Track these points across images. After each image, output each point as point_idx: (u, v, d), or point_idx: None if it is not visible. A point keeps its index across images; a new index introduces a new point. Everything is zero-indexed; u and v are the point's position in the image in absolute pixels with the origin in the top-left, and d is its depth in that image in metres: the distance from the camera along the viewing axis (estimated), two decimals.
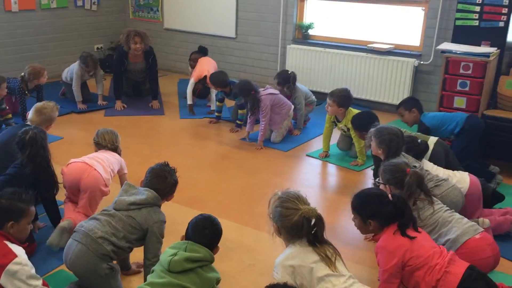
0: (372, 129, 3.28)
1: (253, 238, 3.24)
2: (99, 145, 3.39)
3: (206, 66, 5.69)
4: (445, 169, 3.30)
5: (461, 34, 4.68)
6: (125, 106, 5.78)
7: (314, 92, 5.59)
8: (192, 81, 5.60)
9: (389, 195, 2.48)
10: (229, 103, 5.70)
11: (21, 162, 2.98)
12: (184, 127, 5.33)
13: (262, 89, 4.94)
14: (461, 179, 3.20)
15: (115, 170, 3.30)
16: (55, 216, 3.10)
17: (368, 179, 4.12)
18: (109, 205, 2.62)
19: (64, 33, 6.88)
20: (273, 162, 4.48)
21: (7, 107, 4.83)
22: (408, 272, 2.35)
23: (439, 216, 2.69)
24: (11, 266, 2.12)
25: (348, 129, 4.40)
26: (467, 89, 4.33)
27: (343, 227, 3.36)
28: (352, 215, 2.54)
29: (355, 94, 5.35)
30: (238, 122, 5.18)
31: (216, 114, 5.44)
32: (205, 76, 5.50)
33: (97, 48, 7.34)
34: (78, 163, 3.15)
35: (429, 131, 3.94)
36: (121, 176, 3.43)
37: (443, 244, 2.60)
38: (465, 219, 2.73)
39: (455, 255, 2.39)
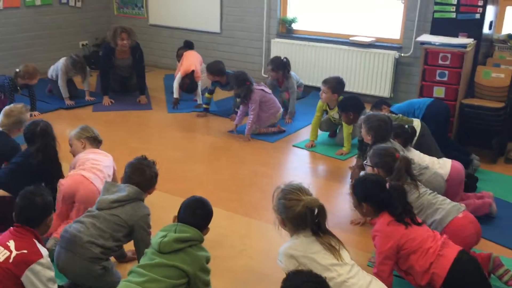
0: (362, 116, 3.41)
1: (244, 225, 3.36)
2: (96, 140, 3.33)
3: (193, 60, 5.78)
4: (430, 157, 3.44)
5: (439, 26, 4.83)
6: (113, 101, 5.84)
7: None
8: (179, 76, 5.68)
9: (387, 184, 2.59)
10: (216, 97, 5.80)
11: (26, 153, 3.06)
12: (172, 121, 5.42)
13: (257, 84, 5.04)
14: (443, 165, 3.35)
15: (111, 175, 3.24)
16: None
17: None
18: (93, 206, 2.63)
19: (49, 30, 6.90)
20: (260, 153, 4.59)
21: None
22: (404, 255, 2.46)
23: (424, 199, 2.83)
24: (35, 265, 2.18)
25: (340, 116, 4.52)
26: (445, 79, 4.49)
27: (330, 212, 3.47)
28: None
29: None
30: (237, 110, 5.30)
31: (204, 106, 5.53)
32: (193, 71, 5.59)
33: (82, 45, 7.37)
34: (75, 175, 3.05)
35: None
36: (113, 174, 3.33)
37: (430, 226, 2.73)
38: (448, 200, 2.88)
39: (448, 239, 2.51)
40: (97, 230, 2.48)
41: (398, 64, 5.80)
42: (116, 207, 2.53)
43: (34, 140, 3.06)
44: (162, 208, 3.25)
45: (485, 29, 4.79)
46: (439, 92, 4.52)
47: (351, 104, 4.18)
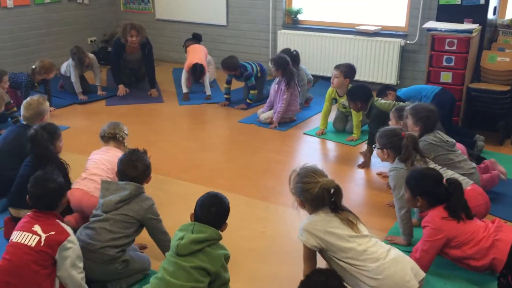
0: (407, 108, 3.42)
1: (262, 209, 3.49)
2: (104, 138, 3.35)
3: (197, 55, 5.89)
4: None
5: (444, 13, 4.92)
6: (127, 90, 5.95)
7: None
8: (184, 72, 5.82)
9: (444, 180, 2.64)
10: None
11: (30, 158, 3.06)
12: (184, 113, 5.54)
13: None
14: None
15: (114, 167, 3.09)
16: None
17: None
18: (97, 209, 2.64)
19: (58, 27, 7.00)
20: (272, 142, 4.71)
21: (12, 101, 4.98)
22: (456, 246, 2.54)
23: None
24: (66, 243, 2.28)
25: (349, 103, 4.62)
26: (452, 64, 4.59)
27: (344, 195, 3.62)
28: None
29: None
30: (248, 101, 5.46)
31: (225, 96, 5.68)
32: (195, 65, 5.66)
33: (91, 41, 7.47)
34: (76, 190, 3.03)
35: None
36: None
37: None
38: (456, 174, 3.00)
39: (501, 222, 2.58)
40: (109, 234, 2.50)
41: (404, 52, 5.90)
42: (122, 206, 2.56)
43: (29, 145, 3.05)
44: (186, 196, 3.40)
45: (490, 15, 4.89)
46: (446, 77, 4.62)
47: (359, 93, 4.24)
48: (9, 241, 2.35)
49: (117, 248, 2.51)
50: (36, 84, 5.17)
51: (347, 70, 4.66)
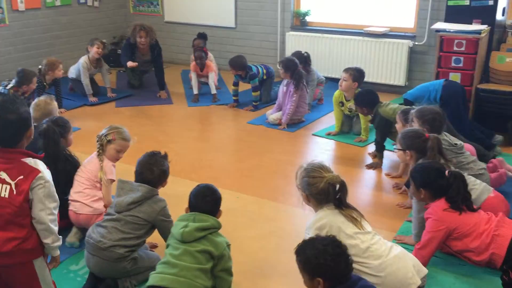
0: (412, 111, 3.42)
1: (271, 209, 3.51)
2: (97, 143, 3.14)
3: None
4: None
5: (453, 14, 4.94)
6: (137, 64, 5.87)
7: None
8: (193, 75, 5.90)
9: (447, 172, 2.66)
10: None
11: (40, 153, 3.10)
12: (193, 114, 5.58)
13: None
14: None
15: (99, 182, 3.07)
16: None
17: None
18: (111, 207, 2.68)
19: (68, 30, 7.08)
20: (281, 142, 4.74)
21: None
22: (456, 238, 2.56)
23: None
24: (34, 182, 2.05)
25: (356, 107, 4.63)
26: (461, 65, 4.60)
27: (352, 195, 3.62)
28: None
29: None
30: (254, 103, 5.52)
31: (233, 98, 5.73)
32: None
33: None
34: (70, 212, 3.02)
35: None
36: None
37: None
38: (478, 180, 3.00)
39: (504, 217, 2.59)
40: (120, 233, 2.54)
41: (412, 53, 5.91)
42: (134, 208, 2.58)
43: (37, 141, 3.03)
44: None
45: (499, 15, 4.89)
46: (455, 78, 4.62)
47: (366, 99, 4.19)
48: None
49: (127, 248, 2.53)
50: (45, 84, 5.23)
51: (356, 74, 4.64)
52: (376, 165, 4.13)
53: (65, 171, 3.06)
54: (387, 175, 4.00)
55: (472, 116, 4.66)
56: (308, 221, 2.43)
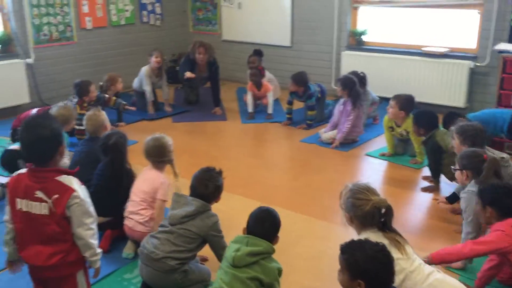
0: (453, 127, 3.37)
1: (322, 228, 3.49)
2: (148, 158, 3.24)
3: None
4: None
5: None
6: (194, 75, 6.03)
7: None
8: (249, 94, 6.02)
9: None
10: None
11: (103, 166, 3.25)
12: (246, 130, 5.67)
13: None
14: None
15: (154, 201, 3.11)
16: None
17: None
18: (165, 220, 2.74)
19: (131, 47, 7.42)
20: (334, 162, 4.71)
21: None
22: None
23: None
24: (70, 201, 2.10)
25: (408, 132, 4.51)
26: None
27: (404, 217, 3.55)
28: None
29: None
30: (308, 122, 5.52)
31: (287, 116, 5.76)
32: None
33: None
34: (126, 227, 3.12)
35: None
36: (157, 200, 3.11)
37: None
38: None
39: None
40: (172, 246, 2.58)
41: (473, 74, 5.72)
42: (187, 221, 2.62)
43: (106, 153, 3.24)
44: (246, 212, 3.39)
45: None
46: None
47: (425, 120, 4.08)
48: (13, 208, 2.17)
49: (178, 260, 2.58)
50: (107, 99, 5.45)
51: (404, 102, 4.49)
52: (432, 189, 4.02)
53: (128, 188, 3.17)
54: (425, 178, 3.98)
55: None
56: None
